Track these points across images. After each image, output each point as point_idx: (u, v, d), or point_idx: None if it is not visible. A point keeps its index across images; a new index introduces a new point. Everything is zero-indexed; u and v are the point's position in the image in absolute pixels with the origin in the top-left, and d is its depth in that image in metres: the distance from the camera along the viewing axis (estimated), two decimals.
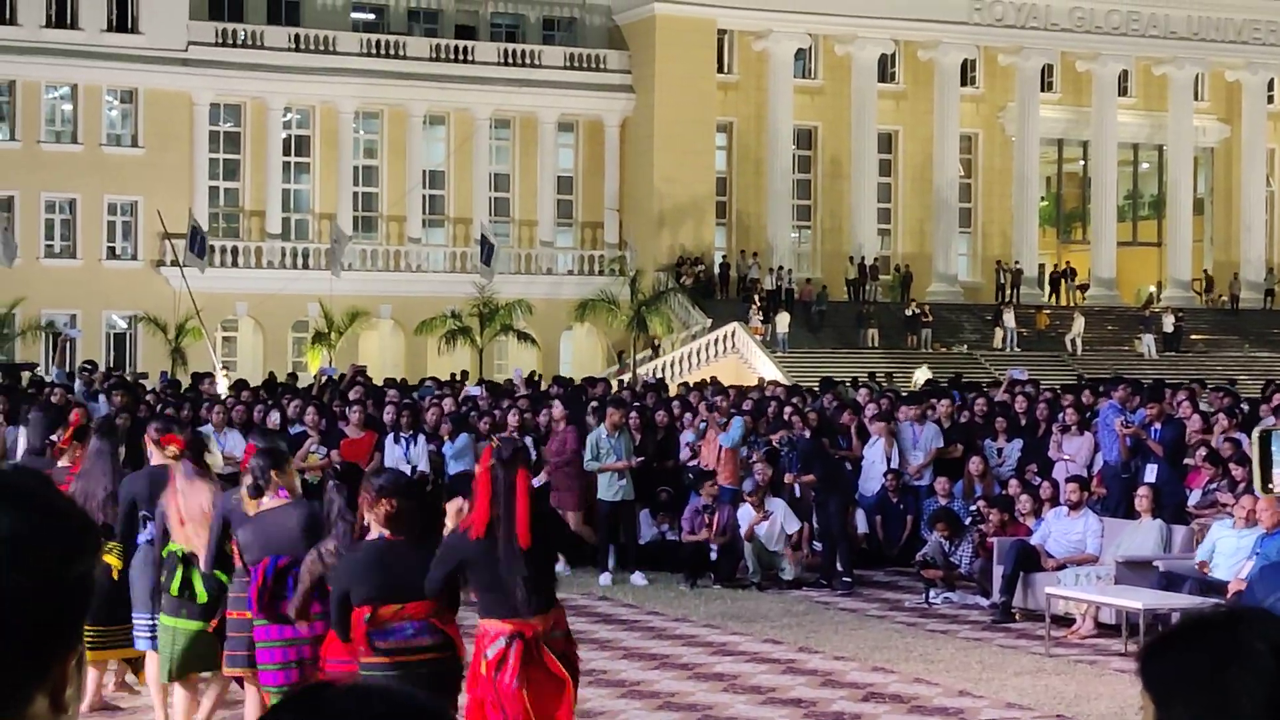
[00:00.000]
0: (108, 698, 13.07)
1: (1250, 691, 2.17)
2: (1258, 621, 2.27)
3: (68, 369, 32.47)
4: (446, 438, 23.09)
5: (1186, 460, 21.80)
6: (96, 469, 12.33)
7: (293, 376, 40.62)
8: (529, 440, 23.08)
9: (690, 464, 23.53)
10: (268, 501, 10.11)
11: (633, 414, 23.33)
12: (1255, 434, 18.03)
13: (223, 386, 32.18)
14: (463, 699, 8.61)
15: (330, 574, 9.00)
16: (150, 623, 11.56)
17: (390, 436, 22.60)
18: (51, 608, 1.77)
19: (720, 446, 22.69)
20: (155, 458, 11.88)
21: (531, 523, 8.24)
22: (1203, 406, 25.06)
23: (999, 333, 61.86)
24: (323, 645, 9.29)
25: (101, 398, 26.08)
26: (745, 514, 20.91)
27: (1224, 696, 2.18)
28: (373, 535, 8.67)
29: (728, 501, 21.53)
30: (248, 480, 10.20)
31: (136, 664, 12.61)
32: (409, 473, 21.89)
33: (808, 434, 23.09)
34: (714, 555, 21.10)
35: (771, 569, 20.74)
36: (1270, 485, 17.74)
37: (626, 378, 48.89)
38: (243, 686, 10.86)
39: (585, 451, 21.93)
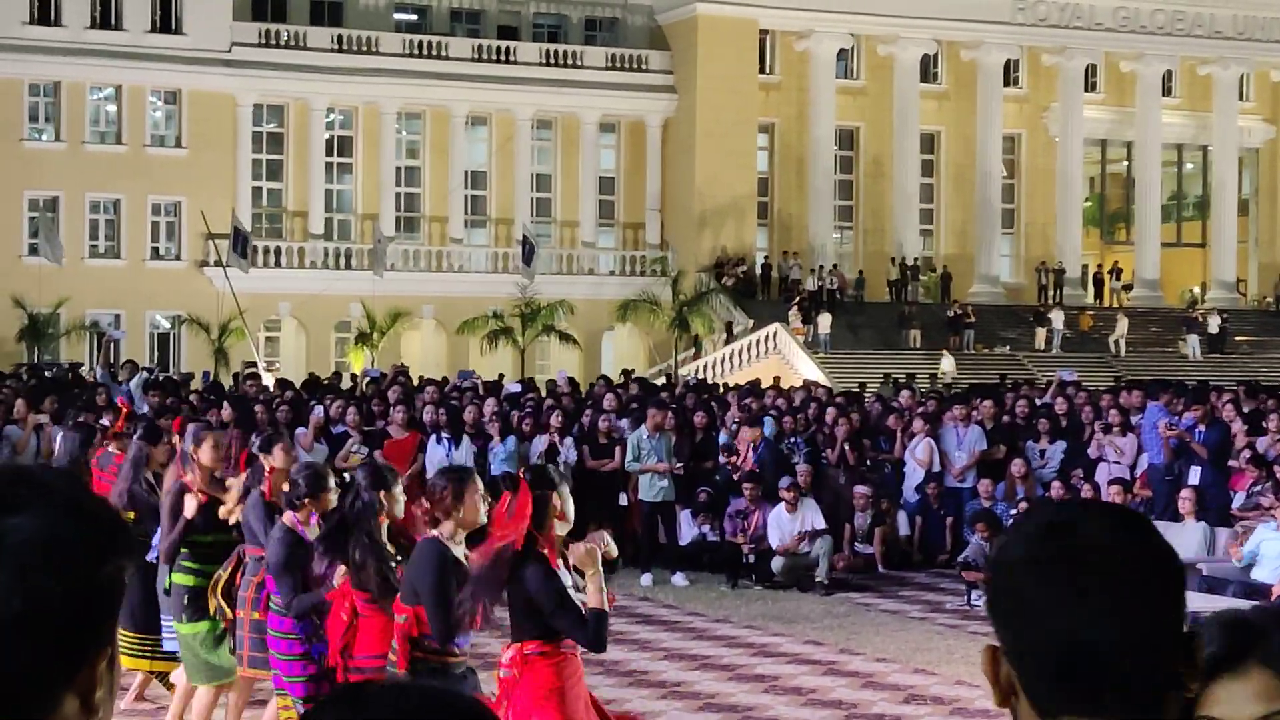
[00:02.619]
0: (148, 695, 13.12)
1: None
2: None
3: (112, 370, 32.62)
4: (496, 436, 23.07)
5: (1231, 463, 21.70)
6: (124, 469, 12.42)
7: (337, 376, 40.66)
8: (570, 440, 23.13)
9: (725, 464, 23.46)
10: (290, 518, 10.01)
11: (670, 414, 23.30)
12: None
13: (267, 382, 32.44)
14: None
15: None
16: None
17: (433, 438, 22.62)
18: (81, 609, 1.76)
19: (749, 447, 22.65)
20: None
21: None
22: (1246, 408, 24.91)
23: (1041, 333, 61.62)
24: (356, 642, 9.20)
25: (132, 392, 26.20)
26: (776, 516, 20.83)
27: None
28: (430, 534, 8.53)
29: (764, 499, 21.53)
30: (291, 490, 10.09)
31: (166, 678, 12.64)
32: None
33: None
34: (750, 559, 21.04)
35: (807, 570, 20.63)
36: None
37: (666, 378, 48.88)
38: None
39: (628, 452, 21.90)
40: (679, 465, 21.84)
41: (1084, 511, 2.02)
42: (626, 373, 46.34)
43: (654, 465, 21.48)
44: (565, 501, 7.99)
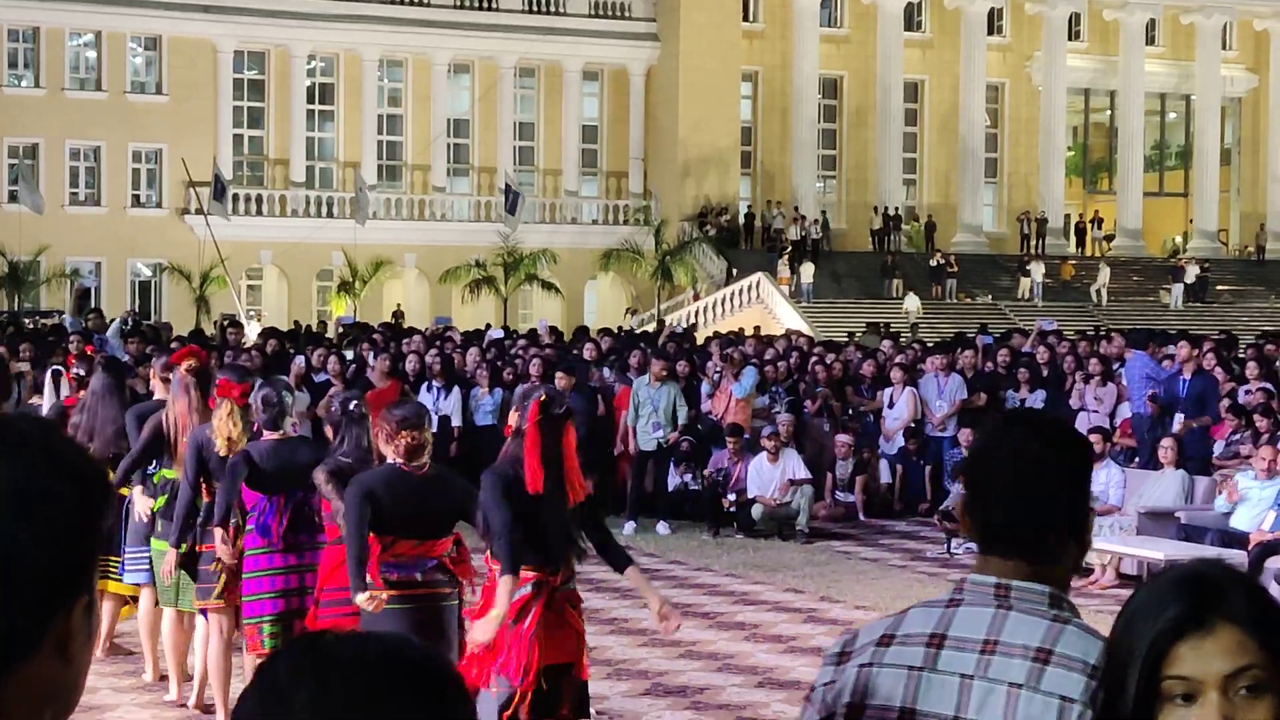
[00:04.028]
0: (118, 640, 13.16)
1: None
2: None
3: (84, 318, 32.54)
4: (483, 387, 23.06)
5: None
6: (105, 403, 12.39)
7: (324, 326, 40.57)
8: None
9: (707, 414, 23.46)
10: (273, 434, 10.12)
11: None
12: None
13: (252, 333, 32.37)
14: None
15: (337, 488, 8.95)
16: (145, 554, 11.60)
17: (424, 386, 22.58)
18: (58, 559, 1.76)
19: (731, 396, 22.66)
20: (159, 392, 12.00)
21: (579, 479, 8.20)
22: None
23: (1024, 282, 61.68)
24: (321, 576, 9.26)
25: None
26: (757, 466, 20.87)
27: None
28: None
29: (746, 451, 21.57)
30: (263, 413, 10.17)
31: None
32: (438, 423, 21.96)
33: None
34: (731, 509, 21.07)
35: (788, 520, 20.67)
36: None
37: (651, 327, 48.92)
38: (206, 618, 10.87)
39: (629, 401, 21.80)
40: (676, 435, 21.80)
41: (1015, 427, 3.18)
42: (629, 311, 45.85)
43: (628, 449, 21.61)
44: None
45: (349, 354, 25.97)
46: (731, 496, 21.04)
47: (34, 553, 1.74)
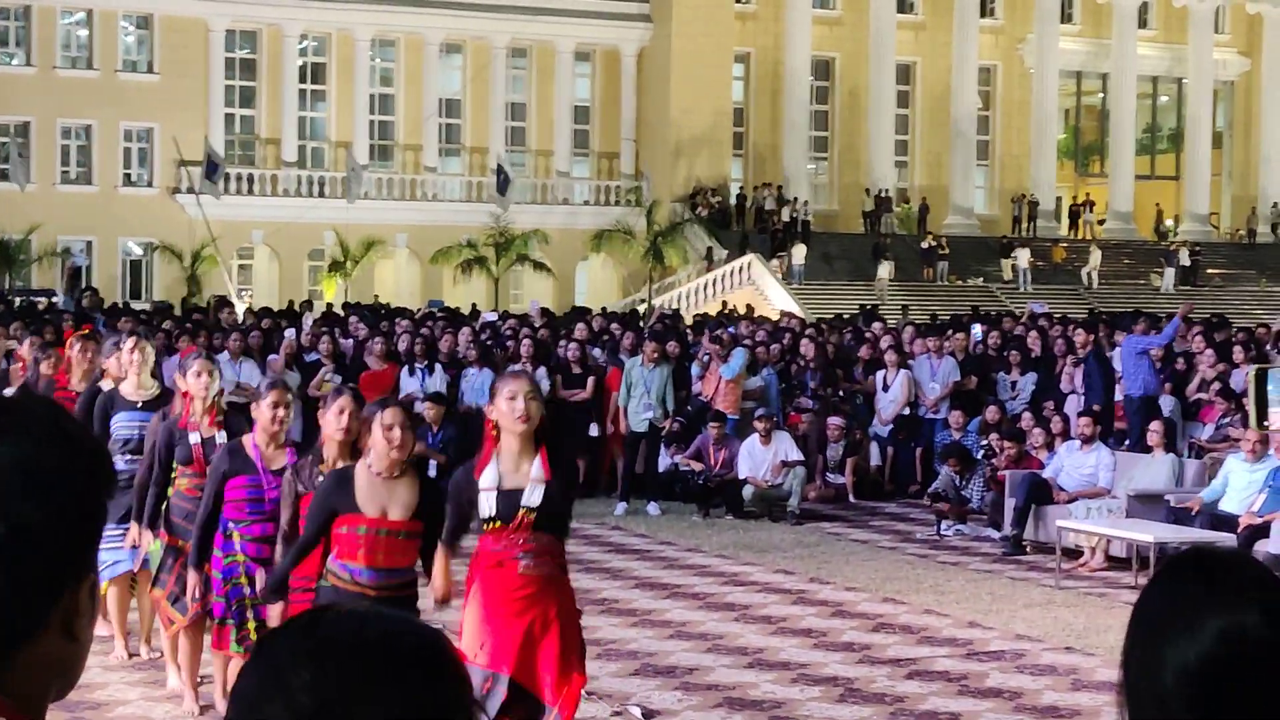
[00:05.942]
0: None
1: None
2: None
3: (76, 296, 32.55)
4: (474, 366, 23.05)
5: (1200, 395, 21.87)
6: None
7: (307, 304, 40.61)
8: (543, 370, 23.09)
9: (698, 396, 23.46)
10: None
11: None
12: (1251, 371, 18.06)
13: (240, 310, 32.40)
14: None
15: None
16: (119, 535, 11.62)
17: (405, 369, 22.58)
18: (63, 537, 1.78)
19: (721, 378, 22.64)
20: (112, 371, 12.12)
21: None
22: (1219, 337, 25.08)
23: (1006, 264, 61.48)
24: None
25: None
26: (749, 447, 20.88)
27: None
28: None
29: (731, 433, 21.58)
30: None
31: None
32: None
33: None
34: (708, 485, 21.05)
35: (779, 501, 20.69)
36: (1265, 422, 17.78)
37: (643, 308, 48.93)
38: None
39: (622, 381, 21.81)
40: (676, 420, 21.77)
41: None
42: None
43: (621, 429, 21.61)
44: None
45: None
46: (717, 478, 21.05)
47: (45, 532, 1.76)
